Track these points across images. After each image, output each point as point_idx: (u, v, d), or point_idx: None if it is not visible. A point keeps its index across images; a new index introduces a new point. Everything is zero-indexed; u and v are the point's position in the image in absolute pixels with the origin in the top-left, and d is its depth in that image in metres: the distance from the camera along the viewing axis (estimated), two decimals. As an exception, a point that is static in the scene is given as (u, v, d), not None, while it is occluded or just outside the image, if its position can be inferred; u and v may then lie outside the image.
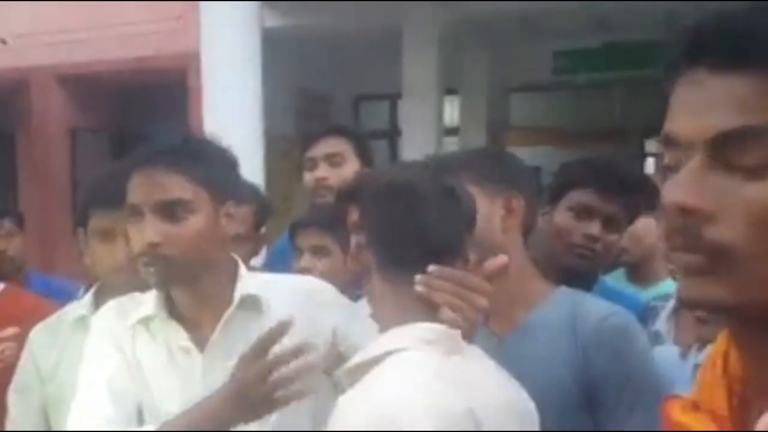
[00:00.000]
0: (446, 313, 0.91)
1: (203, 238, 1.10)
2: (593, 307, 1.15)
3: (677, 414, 0.54)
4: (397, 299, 0.91)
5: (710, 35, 0.45)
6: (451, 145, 6.08)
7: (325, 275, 1.49)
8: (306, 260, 1.68)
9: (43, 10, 5.75)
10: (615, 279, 2.00)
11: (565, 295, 1.18)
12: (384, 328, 0.91)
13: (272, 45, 4.27)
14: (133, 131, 6.08)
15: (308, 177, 1.97)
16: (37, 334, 1.36)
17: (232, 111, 3.85)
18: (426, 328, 0.89)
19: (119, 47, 5.87)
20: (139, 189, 1.09)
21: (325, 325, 1.20)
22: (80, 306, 1.37)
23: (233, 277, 1.17)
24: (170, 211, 1.08)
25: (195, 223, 1.10)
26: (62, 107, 6.22)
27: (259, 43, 4.04)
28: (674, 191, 0.46)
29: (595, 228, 1.46)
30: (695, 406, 0.53)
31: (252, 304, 1.16)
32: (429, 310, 0.91)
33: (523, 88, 6.83)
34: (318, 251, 1.69)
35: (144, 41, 5.69)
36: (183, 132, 1.26)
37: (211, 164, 1.14)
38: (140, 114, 6.10)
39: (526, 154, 5.87)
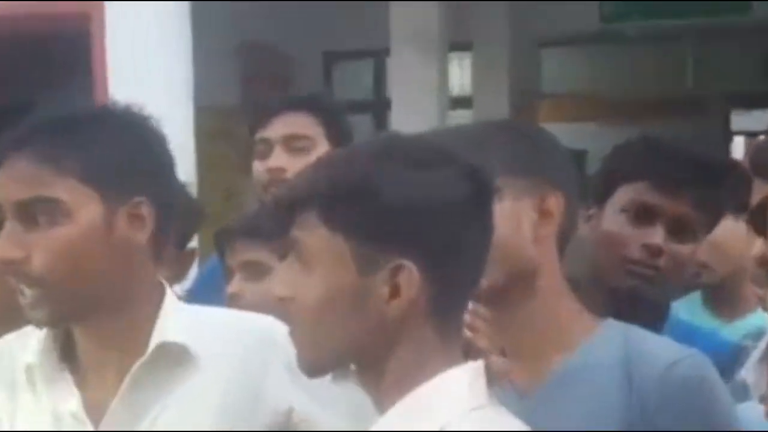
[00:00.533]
0: (498, 362, 0.99)
1: (84, 253, 1.13)
2: (656, 348, 1.17)
3: None
4: (425, 343, 0.98)
5: None
6: (461, 120, 6.04)
7: (260, 304, 1.51)
8: (236, 283, 1.72)
9: None
10: (688, 308, 2.01)
11: (615, 332, 1.19)
12: (391, 381, 0.99)
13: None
14: (17, 101, 6.10)
15: (259, 167, 2.01)
16: None
17: (149, 72, 3.84)
18: (477, 376, 0.99)
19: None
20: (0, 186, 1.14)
21: (279, 403, 1.22)
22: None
23: (155, 313, 1.20)
24: (33, 214, 1.12)
25: (70, 231, 1.12)
26: None
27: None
28: None
29: (657, 235, 1.47)
30: None
31: (175, 356, 1.18)
32: (454, 355, 1.00)
33: (560, 42, 7.02)
34: (251, 270, 1.72)
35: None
36: (77, 101, 1.32)
37: (108, 147, 1.16)
38: (25, 77, 6.04)
39: (564, 132, 5.77)
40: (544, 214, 1.15)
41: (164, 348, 1.17)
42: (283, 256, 1.59)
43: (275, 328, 1.25)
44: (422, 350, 0.98)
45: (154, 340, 1.17)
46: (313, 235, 0.97)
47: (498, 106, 6.24)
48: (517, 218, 1.14)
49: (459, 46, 6.19)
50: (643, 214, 1.47)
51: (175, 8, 4.01)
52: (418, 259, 0.96)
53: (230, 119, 5.23)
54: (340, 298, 0.98)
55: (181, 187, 1.82)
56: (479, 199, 0.99)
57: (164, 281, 1.27)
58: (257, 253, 1.71)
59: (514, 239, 1.13)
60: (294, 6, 6.05)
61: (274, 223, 1.73)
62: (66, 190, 1.12)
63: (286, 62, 6.66)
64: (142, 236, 1.17)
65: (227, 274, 1.74)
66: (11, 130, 1.17)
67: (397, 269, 0.95)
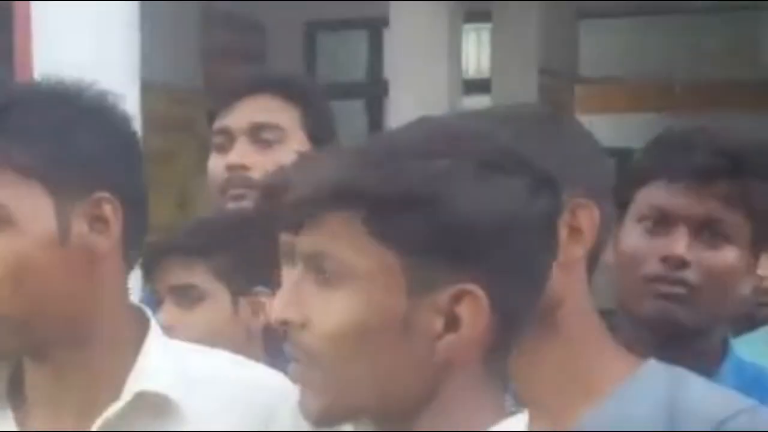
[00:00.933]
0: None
1: (32, 268, 1.14)
2: (705, 399, 1.19)
3: None
4: (474, 392, 0.99)
5: None
6: (478, 106, 6.12)
7: (196, 336, 1.55)
8: (166, 312, 1.74)
9: None
10: (753, 346, 2.00)
11: (656, 378, 1.22)
12: None
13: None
14: None
15: (216, 163, 2.01)
16: None
17: (81, 43, 3.91)
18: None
19: None
20: None
21: None
22: None
23: (134, 351, 1.21)
24: None
25: (11, 240, 1.13)
26: None
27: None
28: None
29: (678, 244, 1.47)
30: None
31: (157, 408, 1.20)
32: (500, 403, 1.02)
33: (604, 13, 7.10)
34: (183, 295, 1.77)
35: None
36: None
37: (55, 131, 1.17)
38: None
39: (605, 125, 5.90)
40: (573, 231, 1.16)
41: (143, 397, 1.19)
42: (229, 279, 1.73)
43: (286, 393, 1.23)
44: (468, 401, 0.99)
45: (132, 386, 1.18)
46: (350, 245, 0.96)
47: (523, 92, 6.25)
48: None
49: (475, 16, 6.33)
50: (661, 220, 1.49)
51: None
52: (487, 284, 0.95)
53: (188, 104, 5.30)
54: (377, 326, 0.96)
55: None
56: (553, 216, 1.01)
57: (144, 307, 1.27)
58: (191, 274, 1.76)
59: None
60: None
61: (213, 238, 1.78)
62: (3, 186, 1.14)
63: (259, 34, 6.75)
64: (107, 242, 1.17)
65: (155, 301, 1.76)
66: None
67: (460, 295, 0.95)
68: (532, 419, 1.09)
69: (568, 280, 1.17)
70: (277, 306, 1.01)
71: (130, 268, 1.25)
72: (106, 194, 1.15)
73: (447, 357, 0.95)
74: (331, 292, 0.96)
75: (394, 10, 5.62)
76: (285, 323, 0.97)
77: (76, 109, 1.20)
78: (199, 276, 1.75)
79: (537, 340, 1.16)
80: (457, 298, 0.94)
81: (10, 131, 1.15)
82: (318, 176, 1.00)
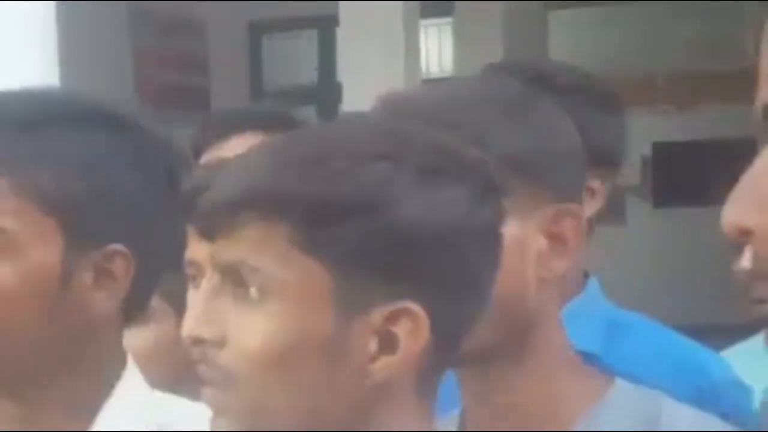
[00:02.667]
0: None
1: (22, 302, 1.17)
2: (677, 418, 1.24)
3: None
4: (405, 413, 1.03)
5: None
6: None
7: (144, 354, 1.57)
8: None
9: None
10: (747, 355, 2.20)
11: (625, 399, 1.27)
12: None
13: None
14: None
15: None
16: None
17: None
18: None
19: None
20: None
21: None
22: None
23: (103, 393, 1.26)
24: None
25: (10, 269, 1.17)
26: None
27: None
28: None
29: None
30: None
31: None
32: (429, 419, 1.08)
33: (571, 2, 7.25)
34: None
35: None
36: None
37: (83, 161, 1.21)
38: None
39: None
40: (557, 242, 1.14)
41: None
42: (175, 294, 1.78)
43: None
44: (397, 424, 1.01)
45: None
46: (274, 255, 0.96)
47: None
48: (520, 247, 1.14)
49: (435, 10, 6.44)
50: None
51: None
52: (426, 301, 0.96)
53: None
54: (303, 347, 0.97)
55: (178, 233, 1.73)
56: (498, 226, 1.03)
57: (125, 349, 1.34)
58: None
59: (517, 280, 1.14)
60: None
61: None
62: (15, 213, 1.17)
63: (198, 36, 6.94)
64: (109, 302, 1.19)
65: None
66: None
67: (398, 314, 0.95)
68: None
69: (545, 298, 1.19)
70: (189, 323, 1.01)
71: (129, 323, 1.31)
72: (120, 247, 1.19)
73: (380, 380, 0.96)
74: (251, 307, 0.97)
75: (345, 8, 5.64)
76: (199, 342, 0.98)
77: (116, 140, 1.22)
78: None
79: (505, 362, 1.21)
80: (394, 317, 0.95)
81: (39, 154, 1.19)
82: (237, 178, 1.01)
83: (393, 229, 0.94)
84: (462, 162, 1.00)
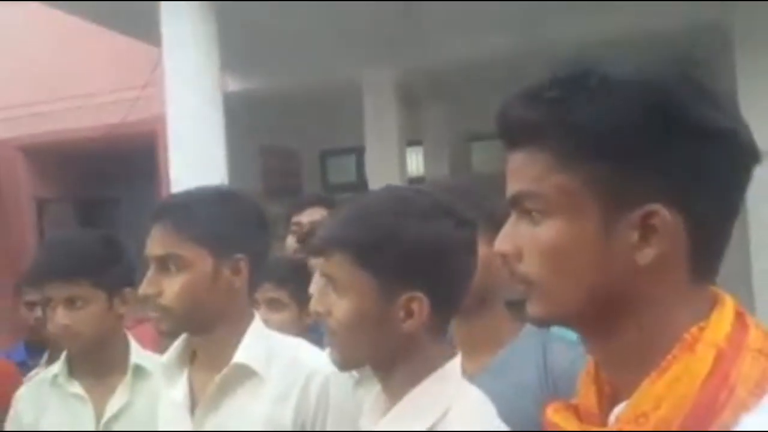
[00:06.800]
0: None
1: (200, 291, 1.74)
2: (560, 352, 1.67)
3: (550, 413, 1.00)
4: (428, 349, 1.39)
5: (498, 123, 0.97)
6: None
7: (279, 327, 2.12)
8: (262, 312, 2.36)
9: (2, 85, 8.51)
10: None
11: (533, 334, 1.70)
12: (402, 378, 1.36)
13: (235, 108, 5.81)
14: (100, 198, 8.72)
15: (291, 241, 3.00)
16: (22, 393, 2.24)
17: (198, 174, 4.81)
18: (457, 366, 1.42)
19: (83, 117, 8.33)
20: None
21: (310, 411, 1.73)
22: (55, 366, 2.21)
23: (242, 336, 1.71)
24: (167, 264, 1.72)
25: (189, 277, 1.70)
26: (27, 178, 9.06)
27: (221, 106, 5.48)
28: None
29: None
30: (569, 407, 0.99)
31: (245, 373, 1.71)
32: (445, 349, 1.44)
33: (484, 137, 9.33)
34: (273, 304, 2.54)
35: (109, 110, 8.13)
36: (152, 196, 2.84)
37: (217, 218, 1.70)
38: (106, 181, 8.80)
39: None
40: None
41: (237, 367, 1.68)
42: (298, 296, 2.46)
43: (317, 368, 1.73)
44: (426, 354, 1.35)
45: (234, 359, 1.72)
46: (346, 271, 1.32)
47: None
48: (488, 257, 1.49)
49: (414, 142, 8.76)
50: None
51: (215, 126, 5.33)
52: (427, 290, 1.29)
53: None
54: (366, 318, 1.31)
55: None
56: (472, 244, 1.34)
57: (255, 311, 1.75)
58: (277, 292, 2.57)
59: (483, 274, 1.51)
60: (296, 119, 8.27)
61: (291, 271, 2.60)
62: (187, 249, 1.64)
63: (294, 158, 9.30)
64: (240, 283, 1.66)
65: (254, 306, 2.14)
66: (156, 204, 1.72)
67: (411, 299, 1.29)
68: (468, 359, 1.50)
69: (497, 280, 1.65)
70: (315, 302, 1.42)
71: (252, 293, 1.77)
72: (242, 256, 1.69)
73: (408, 332, 1.33)
74: (338, 296, 1.34)
75: (369, 140, 7.88)
76: (320, 314, 1.35)
77: (230, 205, 1.74)
78: (281, 293, 2.52)
79: (472, 317, 1.70)
80: (410, 301, 1.31)
81: (194, 217, 1.66)
82: (327, 230, 1.39)
83: (405, 252, 1.32)
84: (444, 208, 1.33)
